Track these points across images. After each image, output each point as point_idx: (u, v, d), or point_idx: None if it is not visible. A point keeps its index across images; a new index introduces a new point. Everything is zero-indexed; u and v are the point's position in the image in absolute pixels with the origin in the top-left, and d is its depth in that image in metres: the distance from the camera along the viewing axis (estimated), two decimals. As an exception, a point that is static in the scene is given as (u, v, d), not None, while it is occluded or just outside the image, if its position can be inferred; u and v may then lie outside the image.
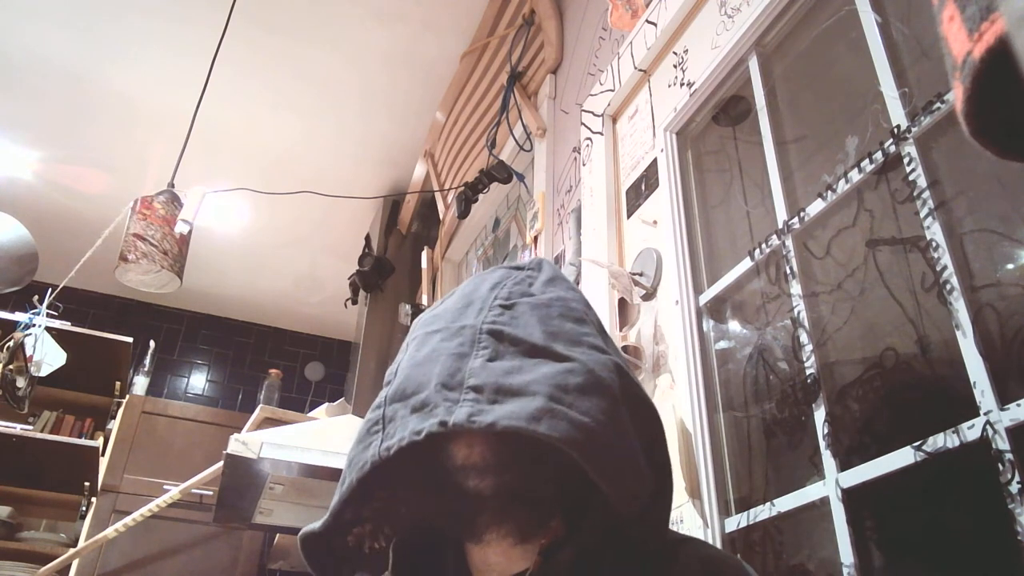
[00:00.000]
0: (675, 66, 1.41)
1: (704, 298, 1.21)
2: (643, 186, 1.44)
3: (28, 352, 2.43)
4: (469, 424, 0.51)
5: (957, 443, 0.73)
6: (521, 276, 0.65)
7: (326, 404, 3.00)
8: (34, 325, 2.49)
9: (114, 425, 3.36)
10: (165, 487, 2.99)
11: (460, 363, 0.55)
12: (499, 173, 2.11)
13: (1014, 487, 0.66)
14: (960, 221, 0.80)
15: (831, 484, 0.87)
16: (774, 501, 0.96)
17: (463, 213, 2.31)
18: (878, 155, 0.92)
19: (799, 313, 0.99)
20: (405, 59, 2.65)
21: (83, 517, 3.14)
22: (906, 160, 0.87)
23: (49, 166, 3.17)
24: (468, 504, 0.57)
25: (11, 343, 2.41)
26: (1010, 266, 0.75)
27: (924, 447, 0.76)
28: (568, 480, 0.57)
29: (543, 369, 0.55)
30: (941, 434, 0.75)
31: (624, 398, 0.57)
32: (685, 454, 1.09)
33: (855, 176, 0.94)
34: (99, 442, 3.22)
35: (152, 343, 3.81)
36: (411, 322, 2.71)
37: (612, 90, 1.60)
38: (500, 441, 0.56)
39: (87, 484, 3.14)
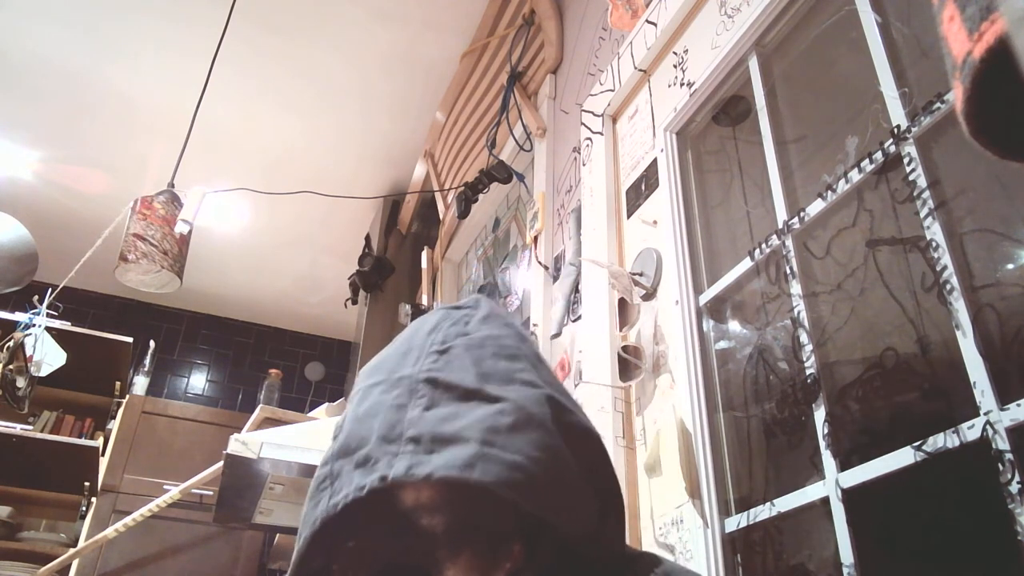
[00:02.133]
0: (675, 66, 1.41)
1: (704, 298, 1.21)
2: (643, 186, 1.44)
3: (28, 352, 2.43)
4: (407, 477, 0.53)
5: (957, 443, 0.73)
6: (458, 316, 0.67)
7: (326, 404, 3.00)
8: (34, 325, 2.49)
9: (114, 425, 3.36)
10: (165, 487, 2.98)
11: (399, 415, 0.57)
12: (499, 173, 2.11)
13: (1014, 487, 0.66)
14: (960, 221, 0.80)
15: (831, 484, 0.87)
16: (774, 501, 0.96)
17: (463, 213, 2.31)
18: (878, 155, 0.92)
19: (799, 313, 0.99)
20: (405, 59, 2.65)
21: (83, 517, 3.14)
22: (906, 160, 0.87)
23: (49, 166, 3.17)
24: (424, 541, 0.59)
25: (11, 343, 2.41)
26: (1010, 266, 0.75)
27: (924, 447, 0.76)
28: (522, 508, 0.58)
29: (476, 412, 0.56)
30: (941, 434, 0.75)
31: (559, 428, 0.59)
32: (685, 454, 1.09)
33: (855, 176, 0.94)
34: (99, 442, 3.22)
35: (152, 343, 3.81)
36: (411, 322, 2.71)
37: (612, 90, 1.60)
38: (446, 483, 0.57)
39: (87, 484, 3.14)
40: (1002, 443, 0.68)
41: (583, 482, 0.59)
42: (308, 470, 2.04)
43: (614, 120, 1.63)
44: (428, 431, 0.55)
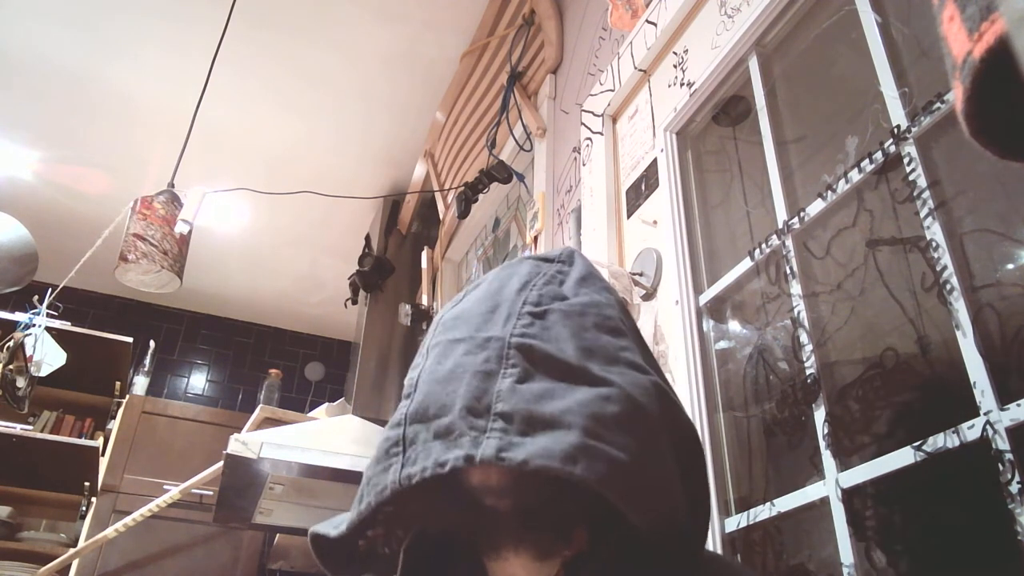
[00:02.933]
0: (675, 66, 1.41)
1: (704, 298, 1.21)
2: (643, 186, 1.44)
3: (28, 352, 2.43)
4: (499, 461, 0.47)
5: (957, 443, 0.73)
6: (551, 272, 0.60)
7: (326, 404, 3.00)
8: (34, 325, 2.49)
9: (114, 425, 3.36)
10: (165, 487, 2.99)
11: (487, 383, 0.51)
12: (499, 173, 2.11)
13: (1014, 487, 0.66)
14: (960, 221, 0.80)
15: (831, 484, 0.87)
16: (774, 501, 0.96)
17: (463, 213, 2.31)
18: (878, 155, 0.92)
19: (799, 313, 0.99)
20: (405, 59, 2.65)
21: (83, 517, 3.14)
22: (906, 160, 0.87)
23: (49, 166, 3.17)
24: (484, 520, 0.55)
25: (11, 343, 2.41)
26: (1010, 266, 0.75)
27: (924, 447, 0.76)
28: (597, 496, 0.52)
29: (577, 395, 0.50)
30: (941, 434, 0.75)
31: (663, 423, 0.54)
32: (685, 454, 1.09)
33: (855, 176, 0.94)
34: (99, 442, 3.22)
35: (152, 343, 3.81)
36: (411, 322, 2.72)
37: (612, 90, 1.60)
38: (539, 472, 0.51)
39: (87, 484, 3.14)
40: (1002, 443, 0.68)
41: (679, 485, 0.53)
42: (308, 470, 2.04)
43: (614, 120, 1.63)
44: (522, 408, 0.49)
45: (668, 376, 1.20)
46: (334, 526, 0.58)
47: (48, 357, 2.49)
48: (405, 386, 0.57)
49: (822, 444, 0.90)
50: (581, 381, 0.51)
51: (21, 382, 2.45)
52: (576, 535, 0.57)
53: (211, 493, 2.87)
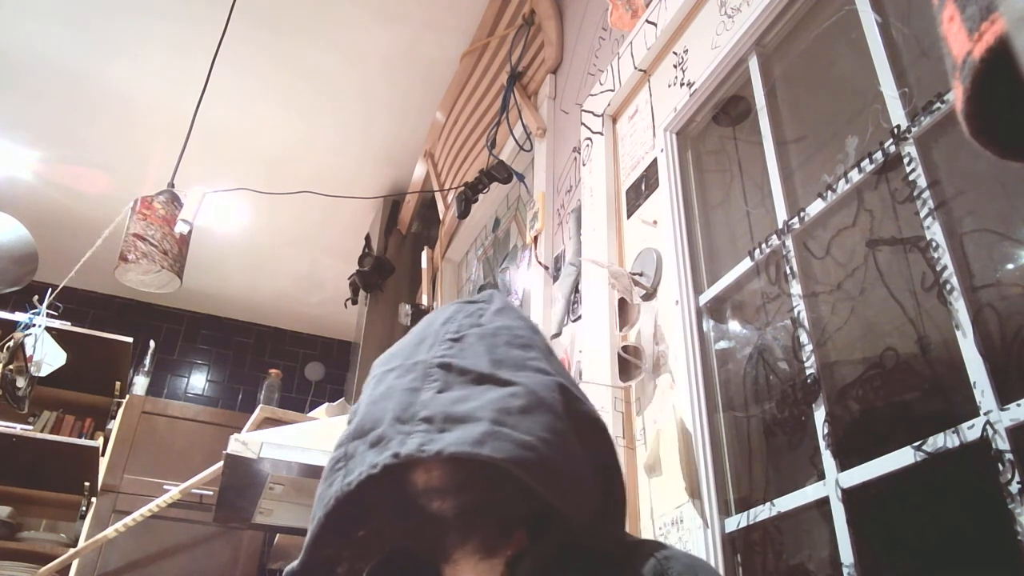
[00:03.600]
0: (675, 66, 1.41)
1: (704, 298, 1.21)
2: (643, 186, 1.44)
3: (28, 352, 2.43)
4: (419, 453, 0.54)
5: (957, 443, 0.73)
6: (472, 309, 0.69)
7: (326, 404, 3.00)
8: (34, 325, 2.49)
9: (114, 425, 3.36)
10: (165, 487, 2.98)
11: (412, 397, 0.59)
12: (499, 173, 2.11)
13: (1014, 487, 0.66)
14: (960, 221, 0.80)
15: (831, 484, 0.87)
16: (774, 501, 0.96)
17: (463, 213, 2.31)
18: (878, 155, 0.92)
19: (799, 313, 0.99)
20: (405, 59, 2.65)
21: (83, 517, 3.14)
22: (906, 160, 0.87)
23: (49, 166, 3.17)
24: (434, 526, 0.61)
25: (11, 343, 2.41)
26: (1010, 266, 0.75)
27: (924, 447, 0.76)
28: (528, 493, 0.59)
29: (488, 395, 0.58)
30: (941, 434, 0.75)
31: (568, 415, 0.61)
32: (685, 454, 1.09)
33: (855, 176, 0.94)
34: (99, 442, 3.22)
35: (152, 343, 3.81)
36: (411, 322, 2.71)
37: (612, 90, 1.60)
38: (456, 465, 0.59)
39: (87, 484, 3.14)
40: (1002, 443, 0.68)
41: (590, 469, 0.60)
42: (308, 470, 2.04)
43: (614, 120, 1.63)
44: (441, 411, 0.57)
45: (668, 376, 1.20)
46: (297, 560, 0.64)
47: (48, 357, 2.49)
48: (348, 415, 0.65)
49: (822, 444, 0.90)
50: (492, 384, 0.60)
51: (21, 382, 2.45)
52: (516, 535, 0.64)
53: (211, 493, 2.87)
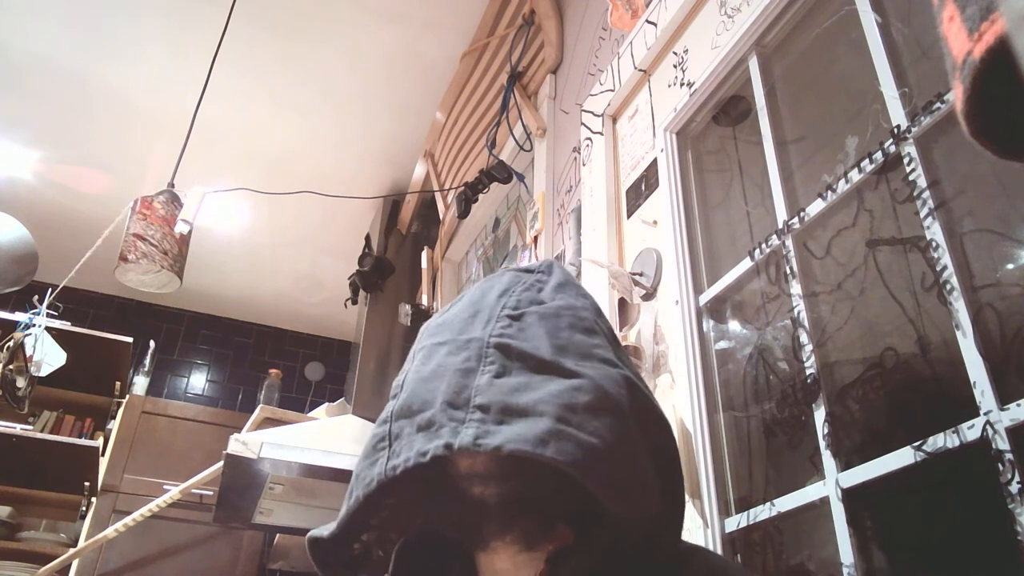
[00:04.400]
0: (675, 66, 1.41)
1: (704, 298, 1.21)
2: (643, 186, 1.44)
3: (28, 352, 2.43)
4: (475, 447, 0.50)
5: (957, 443, 0.73)
6: (530, 281, 0.64)
7: (326, 404, 3.00)
8: (34, 325, 2.49)
9: (114, 425, 3.36)
10: (165, 487, 2.99)
11: (466, 380, 0.54)
12: (499, 173, 2.11)
13: (1014, 487, 0.66)
14: (960, 221, 0.80)
15: (831, 484, 0.87)
16: (774, 501, 0.96)
17: (463, 213, 2.31)
18: (878, 155, 0.92)
19: (799, 313, 0.99)
20: (405, 59, 2.65)
21: (83, 517, 3.14)
22: (906, 160, 0.87)
23: (49, 166, 3.17)
24: (473, 511, 0.57)
25: (11, 343, 2.41)
26: (1010, 266, 0.75)
27: (924, 447, 0.76)
28: (577, 486, 0.55)
29: (551, 386, 0.53)
30: (941, 434, 0.75)
31: (634, 413, 0.56)
32: (685, 454, 1.09)
33: (855, 176, 0.94)
34: (99, 442, 3.22)
35: (152, 343, 3.81)
36: (411, 322, 2.72)
37: (612, 90, 1.60)
38: (513, 456, 0.54)
39: (87, 484, 3.14)
40: (1002, 443, 0.68)
41: (653, 474, 0.56)
42: (308, 470, 2.04)
43: (614, 120, 1.63)
44: (499, 400, 0.52)
45: (668, 376, 1.20)
46: (328, 528, 0.60)
47: (48, 357, 2.49)
48: (392, 388, 0.60)
49: (822, 444, 0.90)
50: (555, 374, 0.54)
51: (21, 382, 2.45)
52: (559, 530, 0.60)
53: (211, 493, 2.87)
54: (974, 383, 0.73)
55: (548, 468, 0.52)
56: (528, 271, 0.66)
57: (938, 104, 0.84)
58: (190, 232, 1.96)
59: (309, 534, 0.61)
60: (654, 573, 0.58)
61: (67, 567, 2.94)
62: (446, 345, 0.58)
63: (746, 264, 1.13)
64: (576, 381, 0.54)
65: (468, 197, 2.26)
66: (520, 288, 0.62)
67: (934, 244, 0.81)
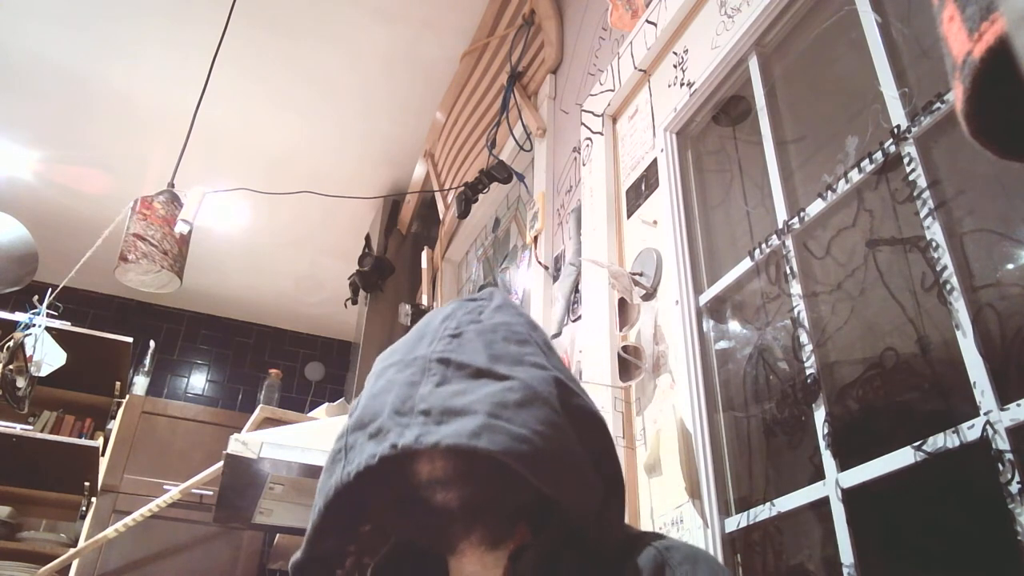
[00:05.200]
0: (675, 66, 1.41)
1: (704, 298, 1.21)
2: (643, 186, 1.44)
3: (28, 352, 2.43)
4: (416, 444, 0.56)
5: (957, 443, 0.73)
6: (472, 307, 0.70)
7: (326, 404, 3.00)
8: (34, 325, 2.49)
9: (114, 425, 3.36)
10: (165, 487, 2.98)
11: (411, 390, 0.60)
12: (499, 173, 2.11)
13: (1014, 487, 0.66)
14: (960, 221, 0.80)
15: (831, 484, 0.87)
16: (774, 501, 0.96)
17: (463, 213, 2.31)
18: (878, 155, 0.92)
19: (799, 313, 0.99)
20: (405, 59, 2.65)
21: (83, 517, 3.14)
22: (906, 160, 0.87)
23: (49, 166, 3.17)
24: (439, 518, 0.62)
25: (11, 343, 2.41)
26: (1010, 266, 0.75)
27: (924, 447, 0.76)
28: (530, 486, 0.60)
29: (485, 389, 0.59)
30: (941, 434, 0.75)
31: (564, 409, 0.62)
32: (685, 454, 1.09)
33: (855, 176, 0.94)
34: (99, 442, 3.22)
35: (152, 343, 3.81)
36: (411, 322, 2.71)
37: (612, 90, 1.60)
38: (458, 456, 0.60)
39: (87, 484, 3.14)
40: (1002, 443, 0.68)
41: (587, 462, 0.61)
42: (308, 470, 2.04)
43: (614, 120, 1.63)
44: (439, 404, 0.58)
45: (668, 376, 1.20)
46: (299, 551, 0.65)
47: (48, 357, 2.49)
48: (349, 409, 0.67)
49: (822, 444, 0.90)
50: (489, 378, 0.61)
51: (21, 382, 2.45)
52: (520, 529, 0.66)
53: (211, 493, 2.87)
54: (974, 383, 0.73)
55: (501, 469, 0.57)
56: (472, 299, 0.73)
57: (938, 104, 0.84)
58: (190, 232, 1.96)
59: (291, 564, 0.65)
60: (605, 557, 0.63)
61: (67, 567, 2.94)
62: (395, 365, 0.65)
63: (746, 264, 1.13)
64: (508, 383, 0.60)
65: (468, 197, 2.26)
66: (462, 312, 0.69)
67: (934, 244, 0.81)
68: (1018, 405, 0.68)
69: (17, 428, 3.02)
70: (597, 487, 0.61)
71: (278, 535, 3.09)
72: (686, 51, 1.38)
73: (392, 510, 0.66)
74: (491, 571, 0.64)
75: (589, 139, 1.68)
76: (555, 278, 1.74)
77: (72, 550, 2.87)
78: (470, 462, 0.60)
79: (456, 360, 0.62)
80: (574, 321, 1.56)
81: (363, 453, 0.58)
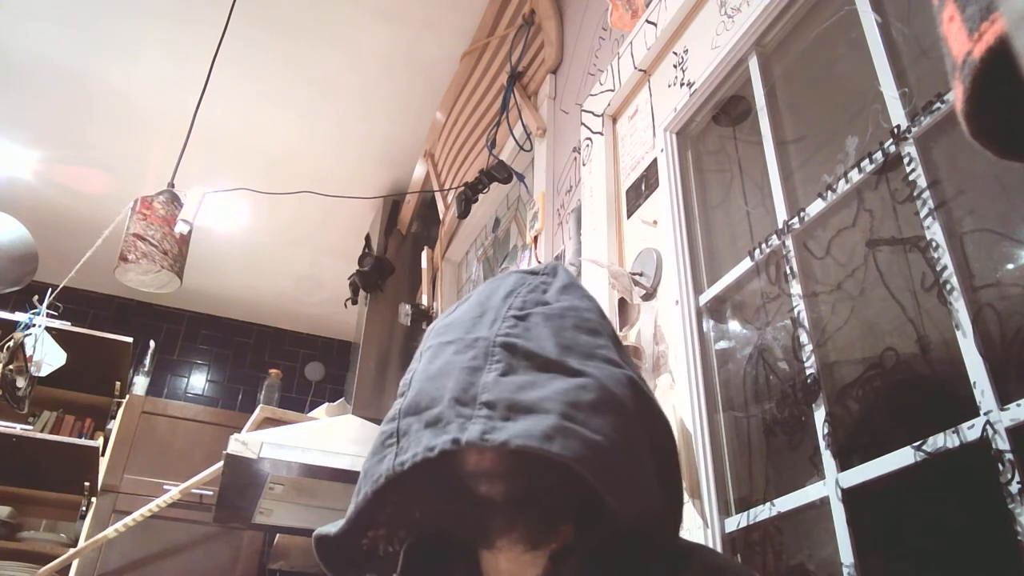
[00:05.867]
0: (675, 66, 1.41)
1: (704, 298, 1.21)
2: (643, 186, 1.44)
3: (28, 352, 2.43)
4: (482, 442, 0.51)
5: (957, 443, 0.73)
6: (536, 282, 0.65)
7: (326, 404, 3.00)
8: (34, 325, 2.49)
9: (114, 425, 3.36)
10: (165, 487, 2.99)
11: (473, 377, 0.55)
12: (499, 173, 2.11)
13: (1014, 487, 0.66)
14: (960, 221, 0.80)
15: (831, 484, 0.87)
16: (774, 501, 0.96)
17: (463, 213, 2.31)
18: (878, 155, 0.92)
19: (799, 313, 0.99)
20: (405, 59, 2.65)
21: (83, 517, 3.14)
22: (906, 160, 0.87)
23: (49, 166, 3.17)
24: (479, 509, 0.58)
25: (11, 343, 2.41)
26: (1010, 266, 0.75)
27: (924, 447, 0.76)
28: (578, 486, 0.56)
29: (556, 384, 0.55)
30: (941, 434, 0.75)
31: (637, 414, 0.57)
32: (685, 454, 1.09)
33: (855, 176, 0.95)
34: (99, 442, 3.22)
35: (152, 343, 3.81)
36: (411, 322, 2.71)
37: (612, 90, 1.60)
38: (512, 451, 0.55)
39: (87, 484, 3.14)
40: (1002, 443, 0.68)
41: (654, 471, 0.57)
42: (308, 470, 2.04)
43: (614, 120, 1.63)
44: (505, 397, 0.54)
45: (668, 376, 1.20)
46: (336, 526, 0.61)
47: (48, 357, 2.49)
48: (400, 387, 0.61)
49: (822, 444, 0.90)
50: (560, 373, 0.56)
51: (21, 382, 2.45)
52: (563, 530, 0.61)
53: (211, 493, 2.87)
54: (974, 383, 0.73)
55: (552, 467, 0.53)
56: (534, 273, 0.67)
57: (938, 104, 0.84)
58: (190, 232, 1.96)
59: (316, 532, 0.61)
60: (653, 570, 0.59)
61: (67, 567, 2.94)
62: (453, 344, 0.59)
63: (746, 264, 1.13)
64: (581, 380, 0.55)
65: (468, 197, 2.26)
66: (525, 289, 0.63)
67: (934, 244, 0.81)
68: (1018, 405, 0.68)
69: (17, 428, 3.02)
70: (659, 497, 0.57)
71: (278, 535, 3.09)
72: (686, 51, 1.38)
73: (430, 494, 0.61)
74: (527, 570, 0.61)
75: (589, 139, 1.68)
76: (555, 278, 1.74)
77: (72, 550, 2.87)
78: (521, 457, 0.55)
79: (524, 347, 0.57)
80: (574, 321, 1.56)
81: (419, 443, 0.53)
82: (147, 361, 3.73)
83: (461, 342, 0.59)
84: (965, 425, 0.73)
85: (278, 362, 4.19)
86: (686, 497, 1.06)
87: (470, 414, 0.53)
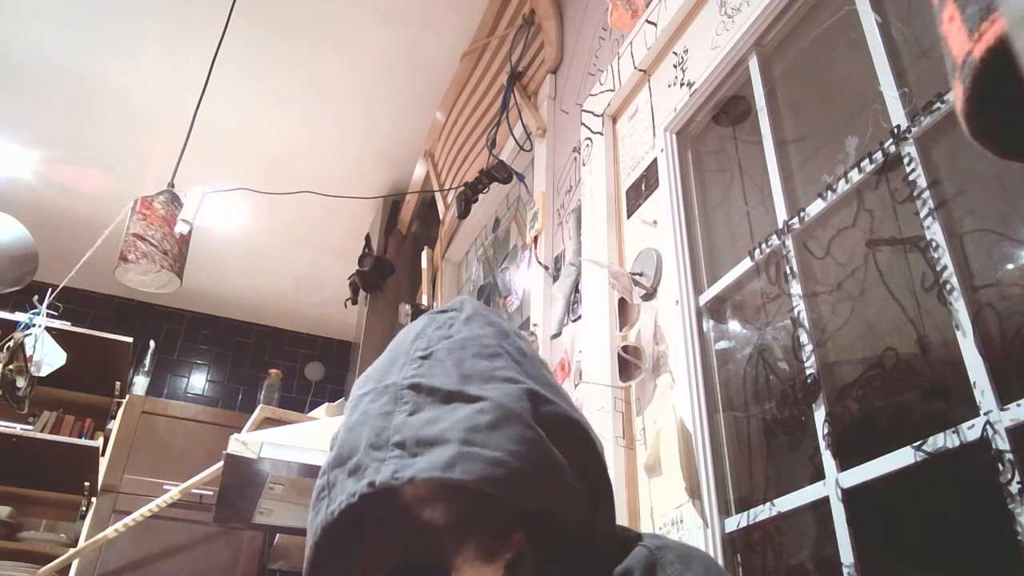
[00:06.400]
0: (675, 66, 1.41)
1: (704, 298, 1.21)
2: (643, 186, 1.44)
3: (28, 352, 2.43)
4: (393, 481, 0.55)
5: (957, 443, 0.73)
6: (443, 320, 0.69)
7: (326, 404, 3.00)
8: (34, 325, 2.49)
9: (114, 425, 3.36)
10: (165, 487, 2.98)
11: (385, 422, 0.59)
12: (499, 173, 2.11)
13: (1014, 487, 0.66)
14: (960, 221, 0.80)
15: (831, 484, 0.87)
16: (774, 501, 0.96)
17: (463, 213, 2.31)
18: (878, 155, 0.92)
19: (799, 313, 0.99)
20: (405, 59, 2.65)
21: (83, 517, 3.14)
22: (906, 160, 0.87)
23: (49, 166, 3.17)
24: (429, 534, 0.62)
25: (11, 343, 2.41)
26: (1010, 266, 0.75)
27: (924, 447, 0.76)
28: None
29: (457, 414, 0.58)
30: (941, 434, 0.75)
31: (540, 421, 0.60)
32: (685, 454, 1.09)
33: (855, 176, 0.94)
34: (99, 442, 3.22)
35: (152, 343, 3.81)
36: (411, 322, 2.71)
37: (612, 90, 1.60)
38: (429, 483, 0.59)
39: (87, 484, 3.14)
40: (1002, 443, 0.68)
41: (569, 471, 0.60)
42: (308, 470, 2.04)
43: (614, 120, 1.63)
44: (412, 435, 0.57)
45: (668, 376, 1.20)
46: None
47: (48, 357, 2.49)
48: (330, 442, 0.66)
49: (822, 444, 0.90)
50: (461, 401, 0.60)
51: (21, 382, 2.45)
52: (516, 539, 0.64)
53: (211, 493, 2.87)
54: (974, 383, 0.73)
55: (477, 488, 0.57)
56: (443, 311, 0.71)
57: (938, 104, 0.84)
58: (190, 232, 1.96)
59: None
60: (600, 561, 0.62)
61: (67, 567, 2.94)
62: (369, 394, 0.63)
63: (746, 264, 1.13)
64: (478, 404, 0.59)
65: (468, 197, 2.26)
66: (432, 328, 0.68)
67: (934, 244, 0.81)
68: (1018, 405, 0.68)
69: (17, 428, 3.02)
70: (582, 495, 0.60)
71: (278, 535, 3.09)
72: (686, 51, 1.38)
73: (387, 530, 0.66)
74: None
75: (589, 139, 1.68)
76: (555, 278, 1.74)
77: (72, 550, 2.87)
78: (449, 485, 0.59)
79: (427, 385, 0.61)
80: (574, 321, 1.56)
81: (343, 491, 0.58)
82: (147, 361, 3.73)
83: (375, 391, 0.63)
84: (965, 425, 0.73)
85: (278, 362, 4.19)
86: (686, 497, 1.07)
87: (383, 457, 0.57)
